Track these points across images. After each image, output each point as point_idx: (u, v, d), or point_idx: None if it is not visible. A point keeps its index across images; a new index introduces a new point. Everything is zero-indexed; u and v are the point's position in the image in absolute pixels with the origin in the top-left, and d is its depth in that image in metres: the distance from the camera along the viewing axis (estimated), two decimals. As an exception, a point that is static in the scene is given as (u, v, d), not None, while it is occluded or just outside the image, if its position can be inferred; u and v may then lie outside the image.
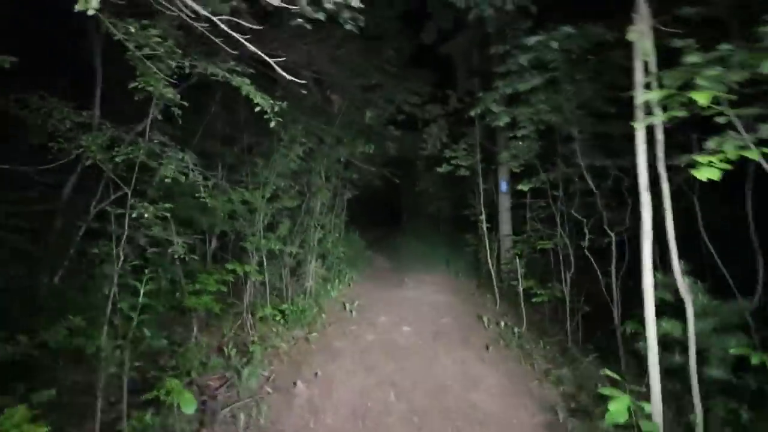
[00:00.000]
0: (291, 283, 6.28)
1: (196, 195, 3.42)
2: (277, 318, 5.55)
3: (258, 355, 4.39)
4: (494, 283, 6.88)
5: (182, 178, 3.31)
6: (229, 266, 5.22)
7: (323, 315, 6.22)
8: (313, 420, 3.49)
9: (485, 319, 5.93)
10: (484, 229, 7.22)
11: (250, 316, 5.33)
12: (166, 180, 3.28)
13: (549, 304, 5.83)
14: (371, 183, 10.69)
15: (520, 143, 5.55)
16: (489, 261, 6.99)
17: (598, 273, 4.45)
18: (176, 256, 3.39)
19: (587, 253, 4.51)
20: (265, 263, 5.66)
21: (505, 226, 7.61)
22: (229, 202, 5.13)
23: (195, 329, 4.13)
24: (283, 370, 4.46)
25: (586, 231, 4.55)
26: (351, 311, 6.59)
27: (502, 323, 5.78)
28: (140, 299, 2.79)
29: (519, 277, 5.82)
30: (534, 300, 5.32)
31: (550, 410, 3.68)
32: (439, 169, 9.15)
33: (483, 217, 7.22)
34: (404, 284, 8.74)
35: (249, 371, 4.08)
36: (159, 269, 4.64)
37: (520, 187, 5.94)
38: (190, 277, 5.01)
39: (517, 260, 5.92)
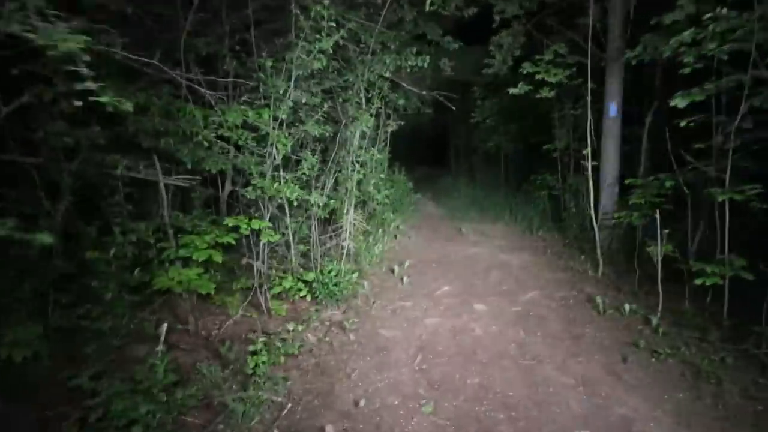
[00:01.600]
0: (321, 243, 4.54)
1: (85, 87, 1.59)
2: (303, 293, 3.87)
3: (264, 368, 2.74)
4: (597, 242, 4.86)
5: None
6: (229, 221, 3.49)
7: (365, 284, 4.49)
8: None
9: (598, 299, 4.00)
10: (589, 167, 5.04)
11: (264, 292, 3.67)
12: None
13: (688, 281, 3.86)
14: (420, 111, 8.53)
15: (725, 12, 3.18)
16: (592, 212, 4.91)
17: None
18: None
19: None
20: (288, 216, 3.90)
21: (611, 164, 5.40)
22: (221, 126, 3.28)
23: (162, 335, 2.49)
24: (304, 390, 2.79)
25: None
26: (402, 278, 4.84)
27: (627, 307, 3.84)
28: None
29: (659, 239, 3.75)
30: (699, 281, 3.30)
31: None
32: (513, 90, 6.88)
33: (588, 150, 5.00)
34: (462, 237, 6.86)
35: (249, 398, 2.45)
36: (116, 229, 2.96)
37: (674, 102, 3.66)
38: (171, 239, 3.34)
39: (657, 215, 3.81)
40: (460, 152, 12.89)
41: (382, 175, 7.68)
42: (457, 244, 6.43)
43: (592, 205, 4.89)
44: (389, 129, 7.78)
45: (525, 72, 6.63)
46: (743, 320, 3.31)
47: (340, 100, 5.00)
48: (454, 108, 7.97)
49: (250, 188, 3.47)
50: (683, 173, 4.28)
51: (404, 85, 7.45)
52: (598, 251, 4.81)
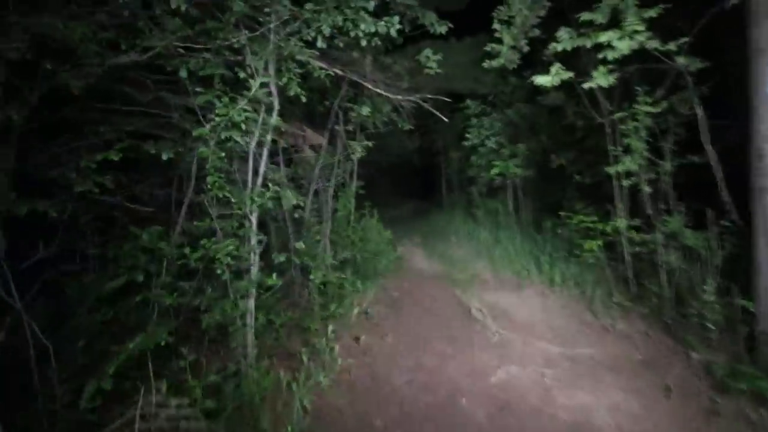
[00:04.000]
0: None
1: None
2: None
3: None
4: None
5: None
6: None
7: None
8: None
9: None
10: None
11: None
12: None
13: None
14: (398, 125, 5.51)
15: None
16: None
17: None
18: None
19: None
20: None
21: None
22: None
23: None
24: None
25: None
26: None
27: None
28: None
29: None
30: None
31: None
32: (539, 80, 3.93)
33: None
34: (475, 327, 3.68)
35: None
36: None
37: None
38: None
39: None
40: (453, 183, 9.89)
41: (344, 225, 4.62)
42: (468, 348, 3.25)
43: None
44: (355, 156, 4.81)
45: (560, 48, 3.69)
46: None
47: (187, 71, 1.95)
48: (446, 120, 4.99)
49: None
50: None
51: (367, 85, 4.49)
52: None
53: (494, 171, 7.31)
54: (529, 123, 7.15)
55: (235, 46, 2.08)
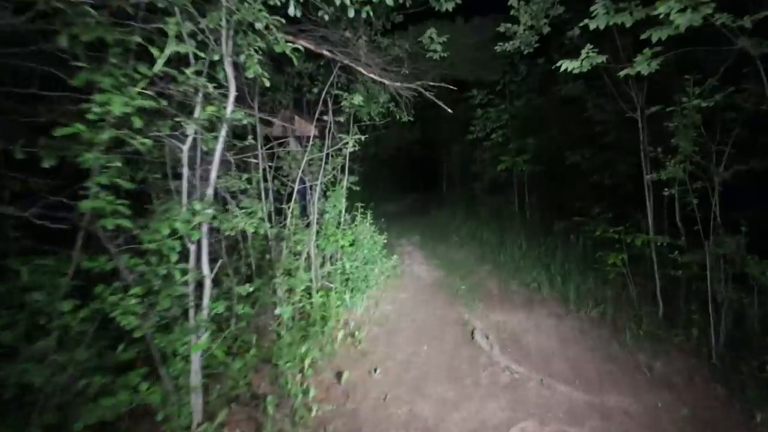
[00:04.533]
0: None
1: None
2: None
3: None
4: None
5: None
6: None
7: None
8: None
9: None
10: None
11: None
12: None
13: None
14: (396, 118, 4.80)
15: None
16: None
17: None
18: None
19: None
20: None
21: None
22: None
23: None
24: None
25: None
26: None
27: None
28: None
29: None
30: None
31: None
32: (568, 64, 3.20)
33: None
34: (478, 357, 3.08)
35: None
36: None
37: None
38: None
39: None
40: (455, 178, 9.21)
41: (333, 230, 3.99)
42: (473, 391, 2.66)
43: None
44: (347, 149, 4.15)
45: (593, 26, 2.99)
46: None
47: (70, 38, 1.30)
48: (449, 110, 4.31)
49: None
50: None
51: (360, 69, 3.79)
52: None
53: (500, 166, 6.65)
54: (539, 115, 6.46)
55: (160, 5, 1.42)
